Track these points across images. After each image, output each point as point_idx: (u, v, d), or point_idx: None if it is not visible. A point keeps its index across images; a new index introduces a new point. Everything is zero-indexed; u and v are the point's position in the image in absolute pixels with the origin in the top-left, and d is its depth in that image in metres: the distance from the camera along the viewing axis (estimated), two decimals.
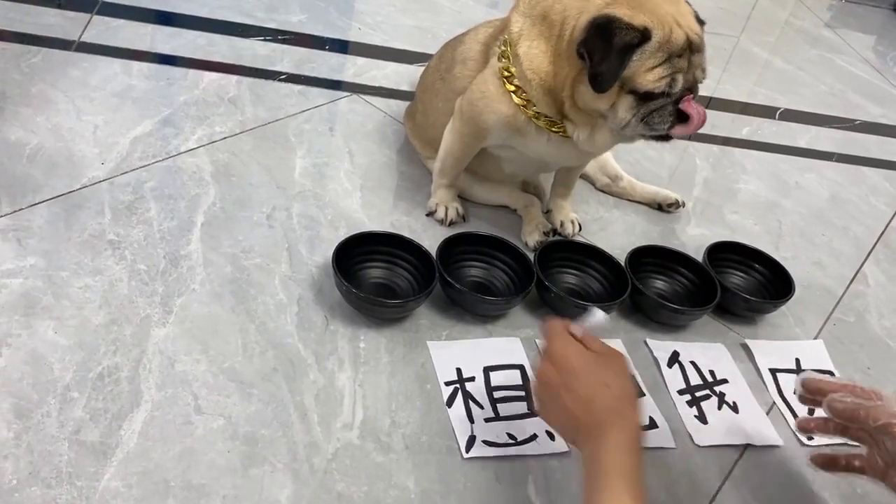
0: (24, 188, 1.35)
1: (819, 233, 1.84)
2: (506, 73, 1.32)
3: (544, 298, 1.38)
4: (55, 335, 1.12)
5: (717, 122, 2.24)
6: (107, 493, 0.95)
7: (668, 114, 1.23)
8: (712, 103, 2.34)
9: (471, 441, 1.12)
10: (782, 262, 1.55)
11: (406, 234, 1.48)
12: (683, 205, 1.74)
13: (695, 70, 1.23)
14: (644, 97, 1.21)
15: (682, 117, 1.23)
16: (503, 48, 1.33)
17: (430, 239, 1.46)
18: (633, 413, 0.91)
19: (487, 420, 1.16)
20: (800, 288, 1.52)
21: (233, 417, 1.08)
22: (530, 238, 1.53)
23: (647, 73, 1.18)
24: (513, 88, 1.32)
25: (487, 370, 1.23)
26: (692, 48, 1.21)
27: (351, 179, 1.59)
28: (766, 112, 2.37)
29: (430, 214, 1.53)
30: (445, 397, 1.18)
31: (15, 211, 1.30)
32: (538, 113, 1.32)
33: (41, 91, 1.59)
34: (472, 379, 1.21)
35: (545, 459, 1.13)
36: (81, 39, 1.79)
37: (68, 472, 0.96)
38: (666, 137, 1.27)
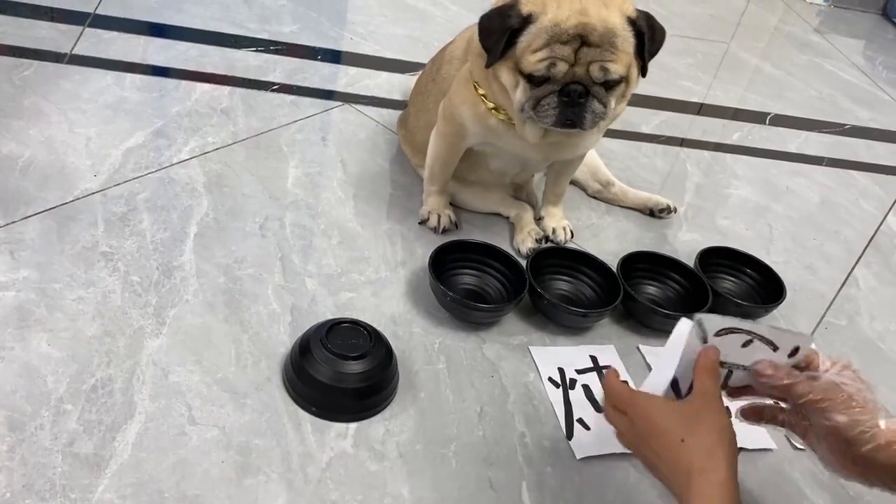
0: (17, 201, 1.35)
1: (810, 237, 1.85)
2: (474, 81, 1.36)
3: (537, 305, 1.39)
4: (48, 347, 1.12)
5: (708, 128, 2.26)
6: None
7: (553, 105, 1.24)
8: (703, 109, 2.36)
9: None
10: (774, 267, 1.56)
11: (399, 242, 1.49)
12: (675, 210, 1.75)
13: (587, 63, 1.21)
14: (530, 80, 1.24)
15: (570, 121, 1.25)
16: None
17: (423, 247, 1.47)
18: (712, 461, 0.83)
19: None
20: (791, 292, 1.53)
21: (227, 427, 1.08)
22: (523, 245, 1.53)
23: (530, 54, 1.21)
24: (483, 93, 1.35)
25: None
26: (585, 39, 1.20)
27: (344, 189, 1.59)
28: (757, 117, 2.38)
29: (423, 223, 1.54)
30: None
31: (7, 224, 1.31)
32: (496, 108, 1.34)
33: (33, 104, 1.60)
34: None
35: (539, 466, 1.14)
36: (73, 52, 1.79)
37: (62, 485, 0.96)
38: (557, 125, 1.26)
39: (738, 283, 1.56)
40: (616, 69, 1.23)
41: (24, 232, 1.30)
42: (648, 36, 1.25)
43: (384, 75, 2.04)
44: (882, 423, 0.86)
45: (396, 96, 1.95)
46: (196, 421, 1.08)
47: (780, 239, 1.81)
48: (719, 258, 1.57)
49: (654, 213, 1.74)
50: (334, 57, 2.08)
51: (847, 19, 3.58)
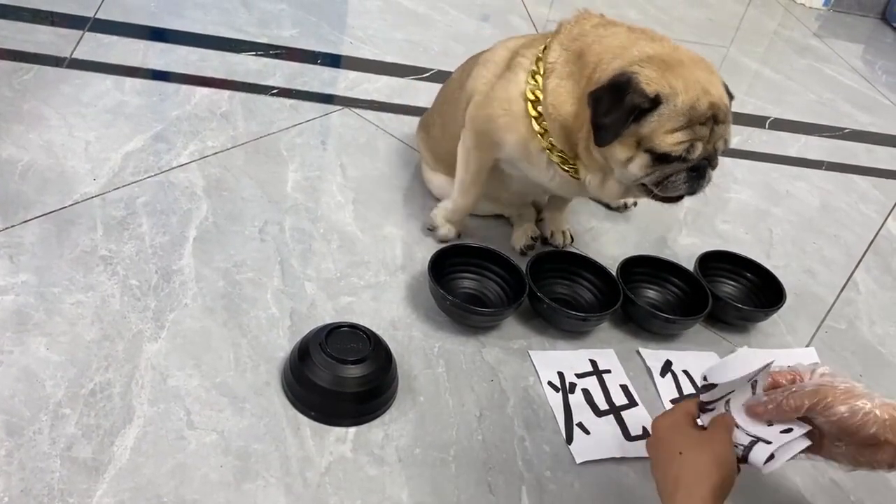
0: (16, 205, 1.35)
1: (810, 241, 1.85)
2: (531, 98, 1.29)
3: (537, 309, 1.38)
4: (47, 351, 1.12)
5: None
6: None
7: (683, 181, 1.22)
8: None
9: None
10: (773, 271, 1.56)
11: (398, 246, 1.49)
12: (635, 205, 1.76)
13: (716, 140, 1.20)
14: (660, 158, 1.19)
15: (695, 185, 1.22)
16: (534, 68, 1.30)
17: (423, 251, 1.47)
18: (700, 484, 0.87)
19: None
20: (791, 296, 1.53)
21: (225, 432, 1.08)
22: (517, 242, 1.53)
23: (667, 135, 1.16)
24: (535, 114, 1.29)
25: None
26: (716, 118, 1.18)
27: (343, 193, 1.59)
28: (757, 122, 2.38)
29: (432, 230, 1.52)
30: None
31: (7, 228, 1.30)
32: (553, 145, 1.30)
33: (33, 108, 1.60)
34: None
35: (539, 469, 1.13)
36: (73, 56, 1.79)
37: (60, 489, 0.96)
38: (672, 199, 1.26)
39: (738, 287, 1.56)
40: (732, 139, 1.24)
41: (23, 236, 1.30)
42: (732, 99, 1.25)
43: (384, 79, 2.04)
44: (880, 401, 0.89)
45: (396, 100, 1.95)
46: (195, 425, 1.08)
47: (779, 243, 1.81)
48: (719, 262, 1.57)
49: (624, 206, 1.75)
50: (334, 61, 2.09)
51: (846, 23, 3.59)
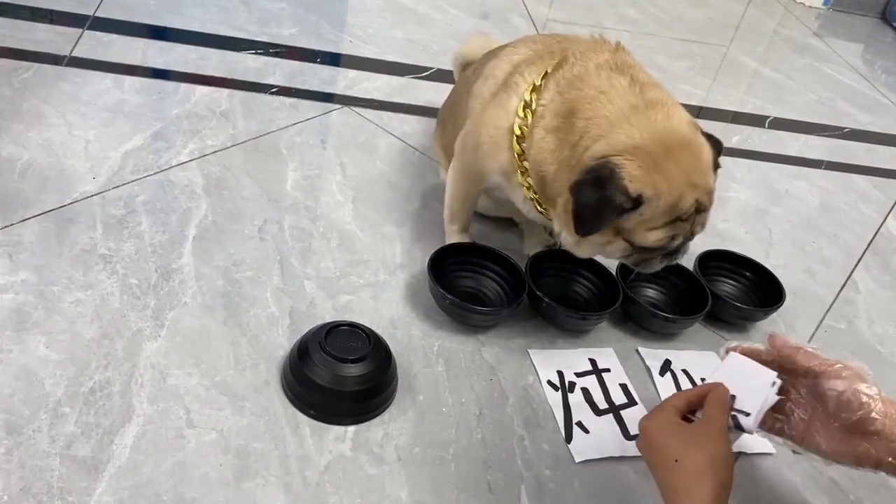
0: (16, 203, 1.35)
1: (809, 240, 1.85)
2: (517, 133, 1.25)
3: (536, 308, 1.38)
4: (46, 350, 1.12)
5: (707, 132, 2.25)
6: None
7: (659, 262, 1.23)
8: (702, 113, 2.36)
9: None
10: (773, 270, 1.56)
11: (398, 245, 1.49)
12: None
13: (696, 227, 1.19)
14: (639, 249, 1.19)
15: (671, 261, 1.25)
16: (527, 98, 1.25)
17: (422, 250, 1.47)
18: (699, 490, 0.87)
19: None
20: (791, 295, 1.53)
21: (225, 431, 1.08)
22: (531, 250, 1.53)
23: (648, 231, 1.15)
24: (519, 151, 1.26)
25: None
26: (699, 209, 1.17)
27: (343, 191, 1.59)
28: (756, 121, 2.38)
29: None
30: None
31: (6, 226, 1.30)
32: (530, 185, 1.27)
33: (32, 106, 1.60)
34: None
35: (538, 468, 1.13)
36: (73, 54, 1.79)
37: (60, 488, 0.96)
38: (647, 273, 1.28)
39: (737, 286, 1.56)
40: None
41: (22, 234, 1.30)
42: (718, 170, 1.22)
43: (383, 78, 2.04)
44: (875, 391, 0.90)
45: (396, 99, 1.95)
46: (194, 424, 1.08)
47: (779, 242, 1.81)
48: (719, 261, 1.57)
49: None
50: (334, 60, 2.09)
51: (846, 23, 3.59)
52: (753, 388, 0.96)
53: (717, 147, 1.21)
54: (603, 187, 1.11)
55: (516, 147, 1.26)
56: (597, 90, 1.18)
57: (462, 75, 1.59)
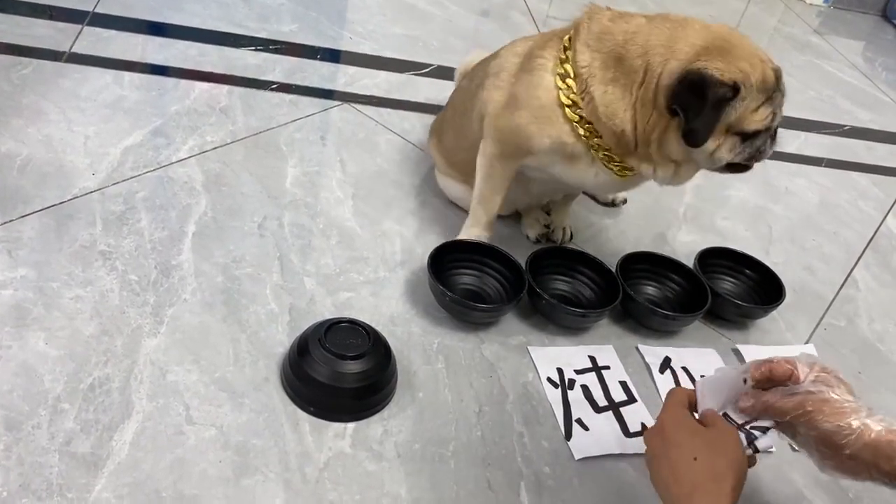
0: (15, 199, 1.35)
1: (809, 238, 1.85)
2: (566, 102, 1.26)
3: (536, 306, 1.38)
4: (46, 346, 1.12)
5: None
6: None
7: (769, 146, 1.27)
8: None
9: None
10: (773, 268, 1.56)
11: (397, 242, 1.49)
12: (625, 202, 1.77)
13: (782, 102, 1.25)
14: (749, 136, 1.23)
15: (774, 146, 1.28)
16: (560, 70, 1.27)
17: (422, 247, 1.47)
18: (717, 494, 0.87)
19: None
20: (790, 293, 1.53)
21: (224, 427, 1.08)
22: (531, 230, 1.54)
23: (753, 114, 1.20)
24: (576, 118, 1.26)
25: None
26: (779, 81, 1.23)
27: (343, 188, 1.59)
28: None
29: None
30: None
31: (5, 222, 1.30)
32: (599, 146, 1.28)
33: (32, 102, 1.59)
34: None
35: (537, 465, 1.13)
36: (72, 50, 1.79)
37: (59, 484, 0.96)
38: (746, 168, 1.30)
39: (737, 283, 1.56)
40: None
41: (21, 230, 1.29)
42: None
43: (383, 75, 2.04)
44: (864, 422, 0.87)
45: (396, 96, 1.95)
46: (194, 420, 1.07)
47: (779, 240, 1.81)
48: (719, 259, 1.57)
49: (612, 203, 1.76)
50: (333, 56, 2.08)
51: (847, 20, 3.59)
52: (731, 394, 0.96)
53: None
54: (702, 89, 1.16)
55: (572, 116, 1.27)
56: (628, 33, 1.24)
57: (457, 89, 1.61)
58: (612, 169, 1.31)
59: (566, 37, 1.29)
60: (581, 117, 1.26)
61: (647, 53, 1.21)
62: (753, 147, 1.25)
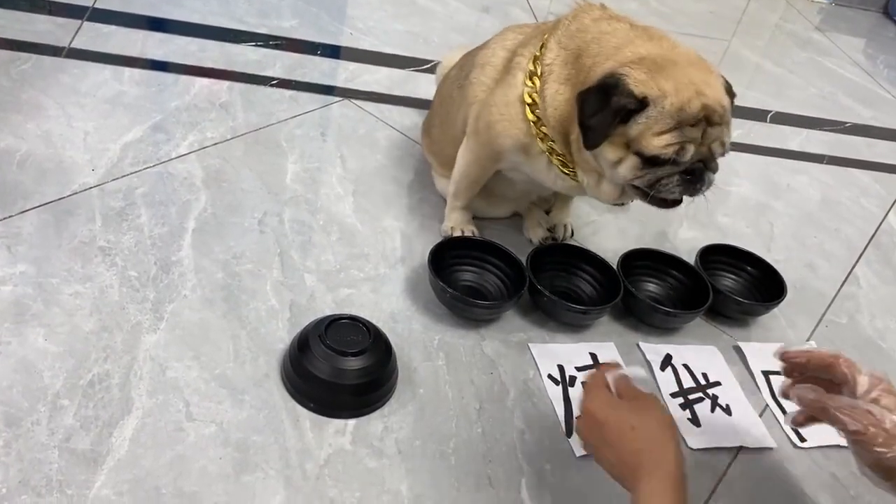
0: (15, 195, 1.35)
1: (810, 235, 1.85)
2: (528, 101, 1.26)
3: (537, 302, 1.38)
4: (45, 342, 1.12)
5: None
6: (97, 502, 0.95)
7: (675, 184, 1.18)
8: None
9: None
10: (774, 265, 1.56)
11: (398, 238, 1.48)
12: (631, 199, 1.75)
13: (711, 142, 1.17)
14: (650, 161, 1.16)
15: (691, 189, 1.19)
16: (531, 68, 1.26)
17: (423, 243, 1.46)
18: (662, 452, 0.89)
19: None
20: (792, 290, 1.53)
21: (224, 424, 1.07)
22: (534, 234, 1.53)
23: (654, 137, 1.13)
24: (533, 118, 1.26)
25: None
26: (710, 120, 1.15)
27: (343, 184, 1.59)
28: (758, 115, 2.37)
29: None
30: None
31: (4, 218, 1.30)
32: (553, 149, 1.27)
33: (31, 97, 1.59)
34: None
35: (538, 462, 1.13)
36: (72, 46, 1.78)
37: (59, 481, 0.96)
38: (668, 204, 1.22)
39: (738, 280, 1.56)
40: (730, 142, 1.20)
41: (21, 226, 1.29)
42: (733, 99, 1.22)
43: (384, 71, 2.03)
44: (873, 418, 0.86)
45: (396, 92, 1.94)
46: (194, 417, 1.07)
47: (780, 237, 1.81)
48: (720, 256, 1.56)
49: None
50: (334, 52, 2.08)
51: (848, 17, 3.58)
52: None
53: (730, 92, 1.22)
54: (608, 94, 1.13)
55: (530, 115, 1.26)
56: (600, 33, 1.21)
57: (444, 79, 1.59)
58: (567, 174, 1.28)
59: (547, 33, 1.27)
60: (538, 118, 1.25)
61: (598, 55, 1.18)
62: (655, 175, 1.17)
